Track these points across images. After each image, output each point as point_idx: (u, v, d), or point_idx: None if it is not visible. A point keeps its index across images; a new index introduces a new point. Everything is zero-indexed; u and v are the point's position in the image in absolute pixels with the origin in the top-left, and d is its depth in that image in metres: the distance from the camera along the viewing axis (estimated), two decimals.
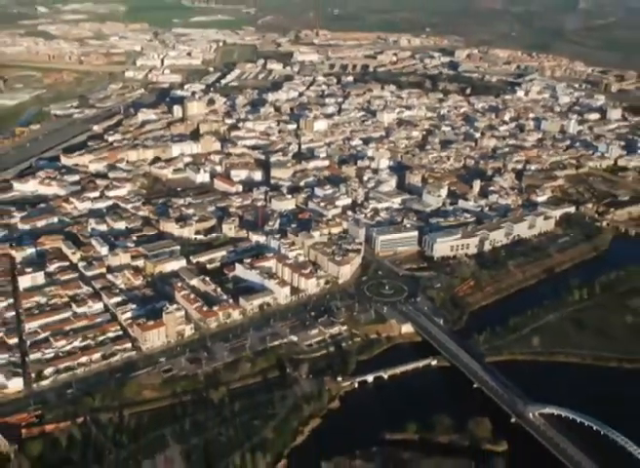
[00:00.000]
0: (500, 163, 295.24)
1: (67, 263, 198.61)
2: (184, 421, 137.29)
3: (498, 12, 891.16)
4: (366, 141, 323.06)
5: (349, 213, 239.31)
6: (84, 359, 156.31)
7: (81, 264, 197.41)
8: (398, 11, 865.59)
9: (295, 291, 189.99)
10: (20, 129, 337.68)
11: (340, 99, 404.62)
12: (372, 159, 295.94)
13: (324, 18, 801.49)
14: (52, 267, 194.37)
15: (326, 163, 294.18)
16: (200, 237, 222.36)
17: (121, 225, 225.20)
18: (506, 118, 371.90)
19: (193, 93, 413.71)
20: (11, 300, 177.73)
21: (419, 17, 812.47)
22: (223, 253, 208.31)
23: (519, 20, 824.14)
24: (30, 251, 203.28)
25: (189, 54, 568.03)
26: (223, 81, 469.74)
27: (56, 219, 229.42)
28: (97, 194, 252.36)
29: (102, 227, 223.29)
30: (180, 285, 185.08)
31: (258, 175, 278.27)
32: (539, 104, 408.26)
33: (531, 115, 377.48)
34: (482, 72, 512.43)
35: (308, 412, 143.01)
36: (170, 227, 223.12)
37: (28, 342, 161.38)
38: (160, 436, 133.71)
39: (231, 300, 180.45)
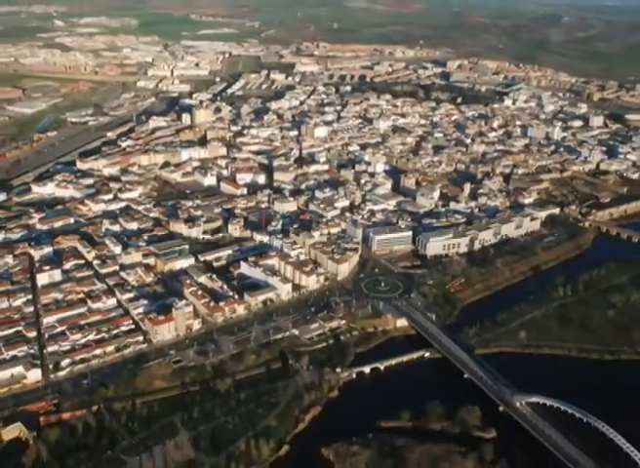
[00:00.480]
0: (489, 167, 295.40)
1: (83, 261, 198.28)
2: (193, 409, 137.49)
3: (486, 25, 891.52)
4: (363, 147, 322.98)
5: (347, 214, 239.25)
6: (98, 351, 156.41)
7: (96, 262, 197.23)
8: (393, 24, 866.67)
9: (296, 287, 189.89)
10: (39, 135, 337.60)
11: (338, 108, 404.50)
12: (368, 164, 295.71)
13: (324, 31, 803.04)
14: (68, 265, 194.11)
15: (325, 167, 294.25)
16: (207, 237, 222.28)
17: (133, 226, 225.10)
18: (495, 125, 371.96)
19: (201, 101, 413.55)
20: (30, 296, 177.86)
21: (412, 30, 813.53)
22: (229, 251, 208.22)
23: (506, 33, 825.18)
24: (48, 250, 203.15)
25: (197, 65, 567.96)
26: (229, 90, 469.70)
27: (72, 220, 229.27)
28: (110, 196, 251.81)
29: (116, 228, 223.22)
30: (188, 282, 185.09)
31: (261, 179, 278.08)
32: (525, 112, 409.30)
33: (518, 122, 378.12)
34: (472, 82, 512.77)
35: (309, 401, 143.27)
36: (179, 228, 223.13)
37: (46, 336, 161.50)
38: (170, 423, 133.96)
39: (237, 296, 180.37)
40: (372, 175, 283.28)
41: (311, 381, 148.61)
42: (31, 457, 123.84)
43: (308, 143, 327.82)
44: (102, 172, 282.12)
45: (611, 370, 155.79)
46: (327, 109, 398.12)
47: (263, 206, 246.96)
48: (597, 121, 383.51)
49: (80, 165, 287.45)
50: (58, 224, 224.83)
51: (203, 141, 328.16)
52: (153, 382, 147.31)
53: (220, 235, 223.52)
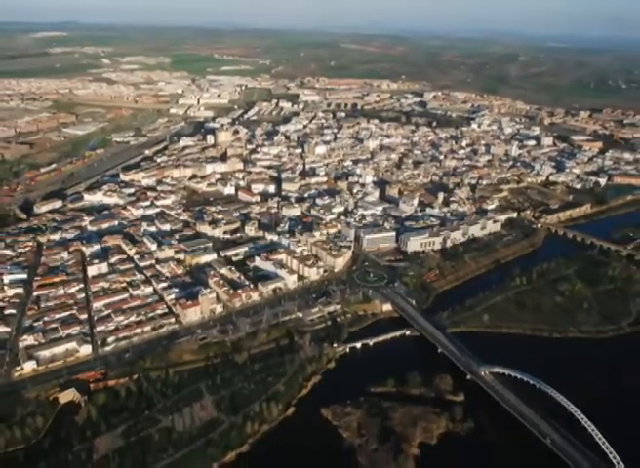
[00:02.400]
0: (459, 179, 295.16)
1: (125, 257, 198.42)
2: (216, 378, 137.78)
3: (457, 63, 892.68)
4: (355, 162, 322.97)
5: (342, 217, 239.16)
6: (138, 330, 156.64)
7: (136, 257, 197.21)
8: (380, 62, 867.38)
9: (300, 278, 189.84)
10: (89, 152, 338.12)
11: (335, 130, 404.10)
12: (360, 176, 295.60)
13: (323, 68, 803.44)
14: (113, 260, 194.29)
15: (324, 179, 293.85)
16: (227, 236, 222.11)
17: (166, 227, 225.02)
18: (464, 144, 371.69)
19: (222, 125, 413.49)
20: (82, 285, 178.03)
21: (396, 67, 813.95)
22: (246, 248, 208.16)
23: (473, 70, 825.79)
24: (97, 247, 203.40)
25: (219, 95, 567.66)
26: (245, 116, 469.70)
27: (116, 223, 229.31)
28: (148, 203, 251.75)
29: (152, 229, 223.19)
30: (212, 273, 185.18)
31: (272, 188, 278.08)
32: (488, 134, 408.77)
33: (482, 142, 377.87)
34: (445, 109, 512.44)
35: (311, 371, 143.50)
36: (204, 228, 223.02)
37: (95, 317, 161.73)
38: (197, 389, 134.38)
39: (252, 285, 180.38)
40: (362, 185, 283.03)
41: (313, 355, 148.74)
42: (83, 417, 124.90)
43: (310, 159, 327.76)
44: (141, 182, 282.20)
45: (559, 346, 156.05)
46: (325, 131, 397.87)
47: (274, 211, 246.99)
48: (547, 141, 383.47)
49: (123, 177, 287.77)
50: (105, 226, 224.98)
51: (224, 158, 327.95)
52: (183, 355, 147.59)
53: (238, 235, 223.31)
